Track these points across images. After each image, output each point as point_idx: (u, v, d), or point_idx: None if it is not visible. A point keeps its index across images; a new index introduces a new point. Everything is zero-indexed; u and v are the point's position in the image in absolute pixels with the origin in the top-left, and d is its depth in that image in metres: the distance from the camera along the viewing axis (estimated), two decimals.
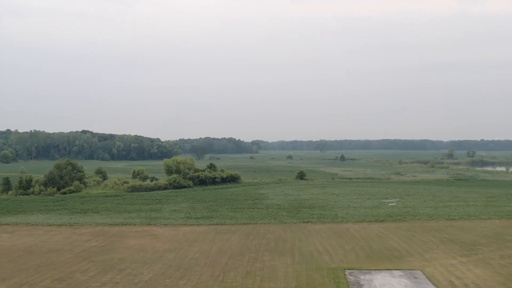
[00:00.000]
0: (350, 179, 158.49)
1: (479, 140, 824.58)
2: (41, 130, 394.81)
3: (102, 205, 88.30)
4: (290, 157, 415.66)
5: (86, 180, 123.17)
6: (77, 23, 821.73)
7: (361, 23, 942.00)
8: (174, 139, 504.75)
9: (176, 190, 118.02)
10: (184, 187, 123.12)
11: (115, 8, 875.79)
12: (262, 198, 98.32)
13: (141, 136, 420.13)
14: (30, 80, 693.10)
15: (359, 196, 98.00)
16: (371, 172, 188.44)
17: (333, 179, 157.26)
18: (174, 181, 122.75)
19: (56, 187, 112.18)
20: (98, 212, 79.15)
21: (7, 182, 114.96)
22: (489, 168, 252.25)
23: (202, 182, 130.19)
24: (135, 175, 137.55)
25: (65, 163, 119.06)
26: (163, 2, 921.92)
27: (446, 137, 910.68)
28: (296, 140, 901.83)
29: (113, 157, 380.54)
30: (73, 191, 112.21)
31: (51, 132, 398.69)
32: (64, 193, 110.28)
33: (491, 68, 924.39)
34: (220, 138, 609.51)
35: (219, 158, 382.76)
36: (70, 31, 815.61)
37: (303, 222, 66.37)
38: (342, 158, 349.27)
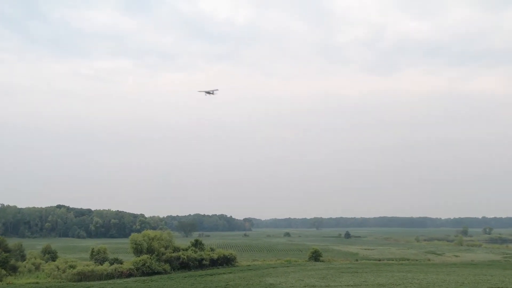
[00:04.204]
0: (380, 260, 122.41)
1: (480, 217, 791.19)
2: (12, 205, 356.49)
3: None
4: (287, 234, 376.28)
5: (17, 264, 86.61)
6: (55, 99, 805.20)
7: (349, 101, 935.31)
8: (161, 215, 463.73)
9: (145, 278, 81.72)
10: (158, 273, 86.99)
11: (96, 86, 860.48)
12: None
13: (122, 211, 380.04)
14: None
15: None
16: (398, 252, 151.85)
17: (357, 260, 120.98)
18: (143, 264, 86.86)
19: None
20: None
21: None
22: None
23: (184, 265, 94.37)
24: (93, 255, 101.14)
25: None
26: (149, 81, 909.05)
27: (444, 215, 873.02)
28: (290, 218, 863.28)
29: (90, 235, 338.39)
30: None
31: (23, 207, 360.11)
32: None
33: (490, 144, 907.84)
34: (210, 214, 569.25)
35: (209, 236, 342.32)
36: (49, 108, 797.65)
37: None
38: (347, 235, 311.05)
